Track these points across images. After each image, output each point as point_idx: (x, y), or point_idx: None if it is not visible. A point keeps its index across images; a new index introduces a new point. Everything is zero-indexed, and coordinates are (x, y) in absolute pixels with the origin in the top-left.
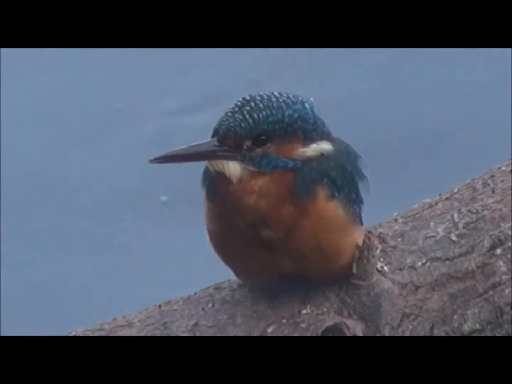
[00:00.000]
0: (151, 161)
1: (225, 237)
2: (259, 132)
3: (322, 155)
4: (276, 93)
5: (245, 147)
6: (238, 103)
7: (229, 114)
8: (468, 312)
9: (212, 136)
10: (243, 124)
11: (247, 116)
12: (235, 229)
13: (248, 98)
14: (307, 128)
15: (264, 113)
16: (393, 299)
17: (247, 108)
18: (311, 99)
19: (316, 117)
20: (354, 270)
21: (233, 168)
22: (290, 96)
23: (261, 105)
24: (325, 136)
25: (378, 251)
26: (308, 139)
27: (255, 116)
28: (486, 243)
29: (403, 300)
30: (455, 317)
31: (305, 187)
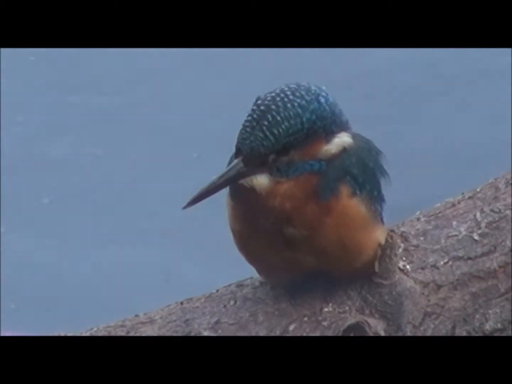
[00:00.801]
0: (185, 207)
1: (248, 236)
2: (282, 145)
3: (345, 149)
4: (289, 94)
5: (270, 161)
6: (255, 116)
7: (248, 130)
8: (490, 311)
9: (236, 155)
10: (265, 143)
11: (267, 133)
12: (258, 228)
13: (263, 108)
14: (327, 124)
15: (283, 126)
16: (415, 298)
17: (266, 123)
18: (323, 87)
19: (333, 107)
20: (376, 269)
21: (262, 182)
22: (303, 93)
23: (278, 118)
24: (344, 126)
25: (400, 250)
26: (329, 134)
27: (276, 131)
28: (509, 243)
29: (425, 299)
30: (477, 316)
31: (329, 187)
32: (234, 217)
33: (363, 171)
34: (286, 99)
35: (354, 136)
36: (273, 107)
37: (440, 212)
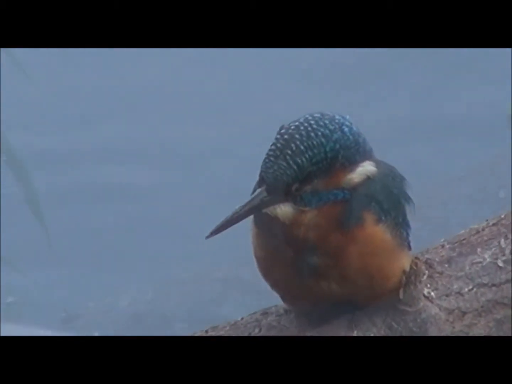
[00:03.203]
0: (208, 236)
1: (272, 264)
2: (305, 175)
3: (368, 178)
4: (312, 123)
5: (293, 190)
6: (279, 145)
7: (272, 159)
8: None
9: (259, 184)
10: (288, 172)
11: (291, 162)
12: (282, 256)
13: (286, 137)
14: (350, 153)
15: (307, 155)
16: (440, 325)
17: (289, 152)
18: (347, 117)
19: (356, 137)
20: (401, 296)
21: (286, 211)
22: (327, 122)
23: (302, 147)
24: (368, 155)
25: (425, 277)
26: (352, 163)
27: (299, 161)
28: None
29: (450, 326)
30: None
31: (354, 214)
32: (258, 245)
33: (387, 197)
34: (309, 128)
35: (378, 163)
36: (296, 136)
37: (464, 239)
